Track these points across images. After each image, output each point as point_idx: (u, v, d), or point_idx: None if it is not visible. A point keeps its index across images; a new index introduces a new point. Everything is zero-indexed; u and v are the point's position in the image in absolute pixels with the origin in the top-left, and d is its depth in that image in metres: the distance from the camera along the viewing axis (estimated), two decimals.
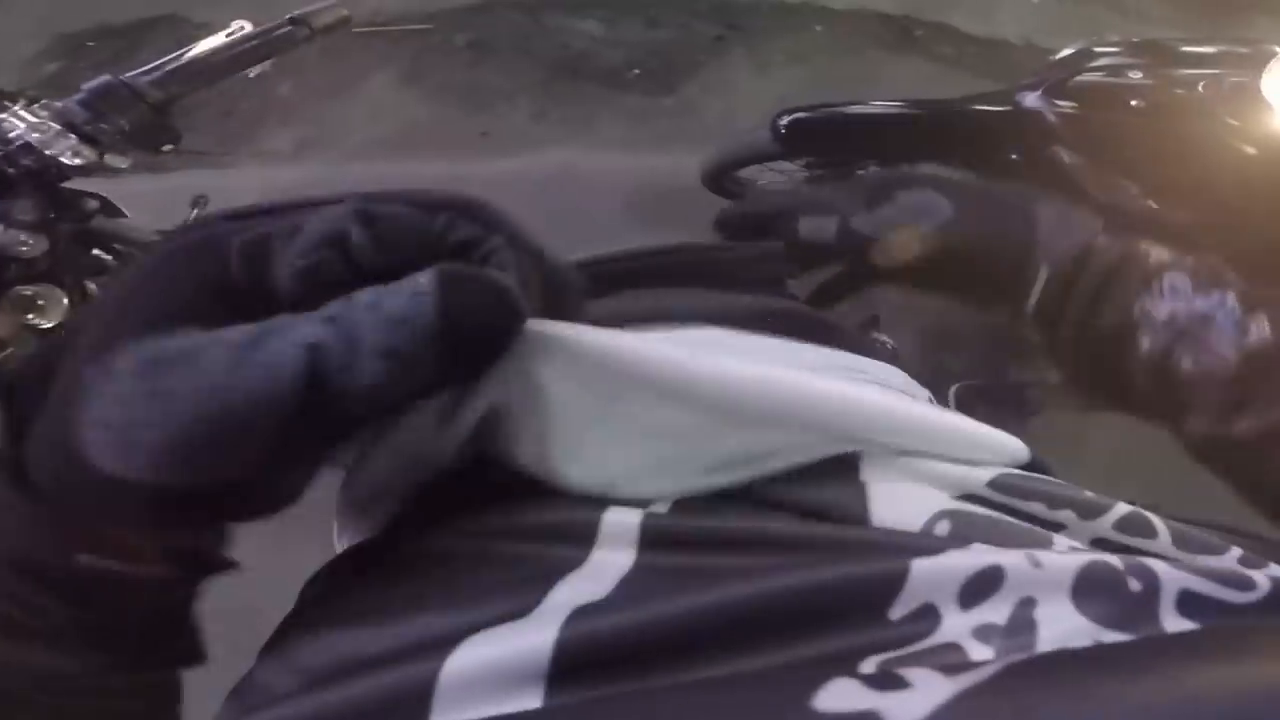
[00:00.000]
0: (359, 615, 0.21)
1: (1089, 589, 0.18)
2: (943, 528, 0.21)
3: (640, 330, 0.25)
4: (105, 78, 0.62)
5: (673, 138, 1.69)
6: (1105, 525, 0.21)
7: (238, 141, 1.75)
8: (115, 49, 1.88)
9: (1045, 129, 1.00)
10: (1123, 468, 1.36)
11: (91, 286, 0.61)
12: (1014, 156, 1.01)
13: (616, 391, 0.22)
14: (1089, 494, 0.23)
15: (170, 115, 0.65)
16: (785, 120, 1.21)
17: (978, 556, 0.19)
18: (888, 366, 0.32)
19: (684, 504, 0.23)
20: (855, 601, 0.18)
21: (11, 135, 0.59)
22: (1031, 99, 1.03)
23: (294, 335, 0.16)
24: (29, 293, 0.58)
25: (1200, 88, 0.87)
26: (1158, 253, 0.34)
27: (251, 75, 2.20)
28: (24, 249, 0.59)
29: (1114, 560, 0.18)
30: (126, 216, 0.70)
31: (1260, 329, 0.31)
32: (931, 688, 0.14)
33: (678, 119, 1.75)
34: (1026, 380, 1.27)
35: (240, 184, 1.60)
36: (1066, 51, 1.06)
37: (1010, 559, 0.18)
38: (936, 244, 0.34)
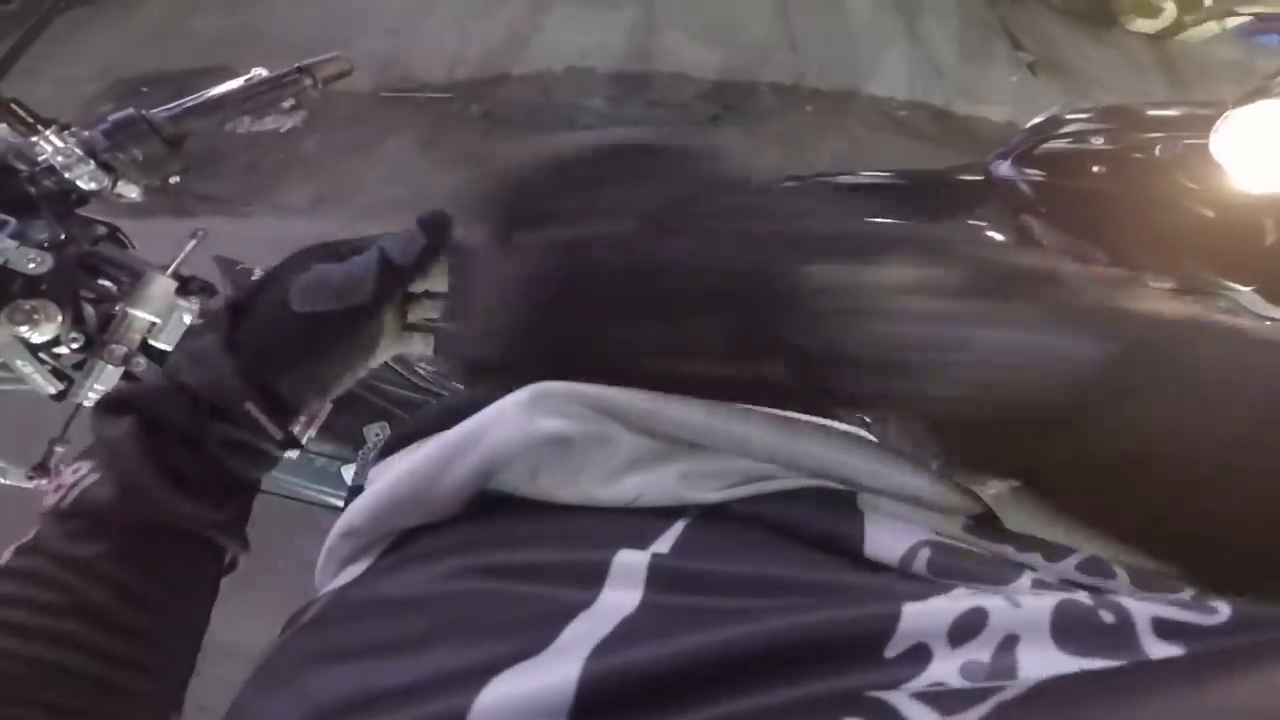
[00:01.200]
0: (369, 650, 0.22)
1: (1067, 625, 0.18)
2: (923, 555, 0.23)
3: None
4: (129, 111, 0.67)
5: None
6: (1069, 567, 0.23)
7: (259, 193, 1.84)
8: (166, 94, 2.02)
9: (1015, 197, 1.04)
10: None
11: (88, 310, 0.63)
12: (984, 224, 1.04)
13: (650, 431, 0.27)
14: (1052, 540, 0.25)
15: (180, 150, 0.69)
16: None
17: (963, 600, 0.19)
18: (861, 433, 0.34)
19: (687, 545, 0.25)
20: (853, 641, 0.19)
21: (40, 158, 0.63)
22: (1004, 168, 1.07)
23: (373, 251, 0.36)
24: (28, 307, 0.60)
25: (1157, 151, 0.90)
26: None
27: (282, 131, 2.30)
28: (31, 266, 0.62)
29: (1083, 597, 0.19)
30: (134, 248, 0.73)
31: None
32: None
33: None
34: None
35: (255, 234, 1.68)
36: (1037, 119, 1.11)
37: (992, 602, 0.19)
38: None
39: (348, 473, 0.77)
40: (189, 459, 0.34)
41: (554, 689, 0.18)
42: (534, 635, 0.20)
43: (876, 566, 0.23)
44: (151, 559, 0.33)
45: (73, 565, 0.31)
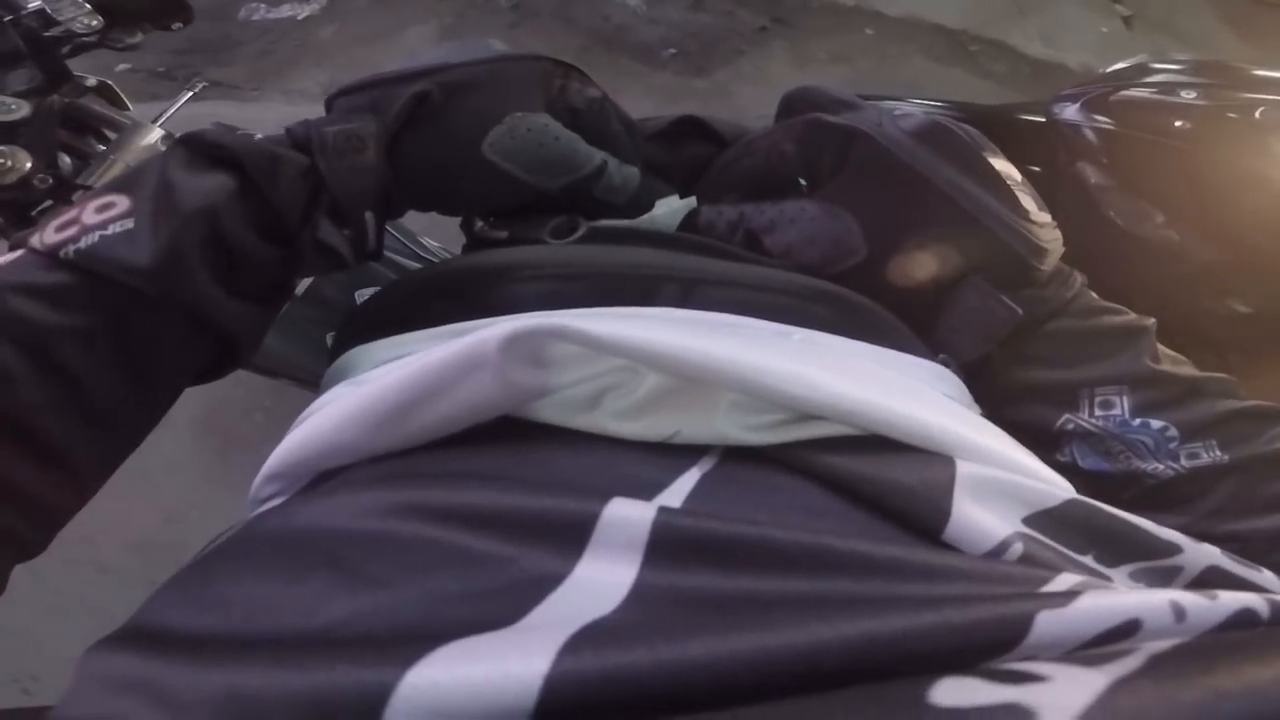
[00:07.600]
0: (257, 597, 0.17)
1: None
2: (1016, 550, 0.19)
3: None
4: None
5: None
6: (1218, 551, 0.20)
7: (269, 79, 1.76)
8: None
9: (1076, 143, 0.93)
10: None
11: (65, 160, 0.61)
12: (1036, 169, 0.93)
13: (675, 373, 0.22)
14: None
15: None
16: None
17: (1111, 612, 0.15)
18: (951, 376, 0.30)
19: (707, 497, 0.19)
20: (950, 656, 0.14)
21: (30, 5, 0.58)
22: (1070, 111, 0.95)
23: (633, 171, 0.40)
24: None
25: (1257, 114, 0.78)
26: (1097, 366, 0.32)
27: (300, 18, 2.18)
28: (4, 115, 0.57)
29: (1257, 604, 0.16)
30: (128, 108, 0.68)
31: (1212, 453, 0.30)
32: (1077, 678, 0.12)
33: (707, 102, 1.71)
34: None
35: (262, 116, 1.61)
36: (1120, 65, 0.98)
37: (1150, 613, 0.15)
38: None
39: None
40: (265, 248, 0.28)
41: (514, 680, 0.13)
42: (491, 605, 0.16)
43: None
44: (142, 341, 0.26)
45: (46, 332, 0.24)
